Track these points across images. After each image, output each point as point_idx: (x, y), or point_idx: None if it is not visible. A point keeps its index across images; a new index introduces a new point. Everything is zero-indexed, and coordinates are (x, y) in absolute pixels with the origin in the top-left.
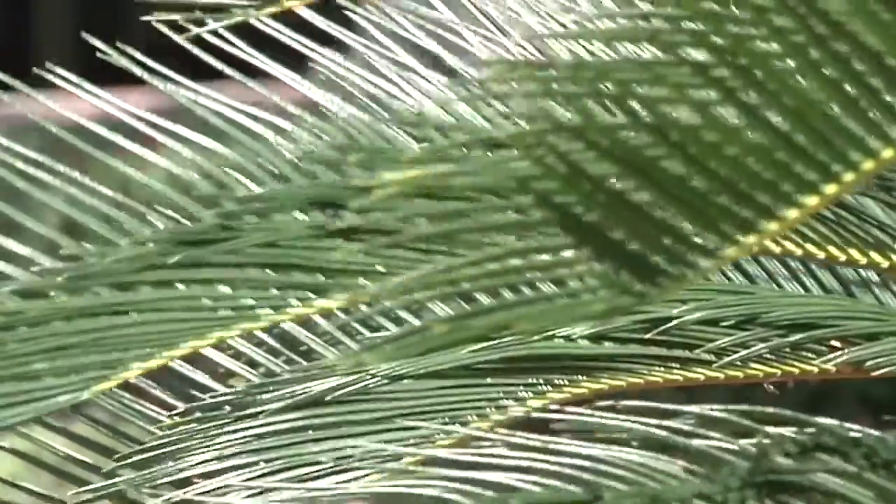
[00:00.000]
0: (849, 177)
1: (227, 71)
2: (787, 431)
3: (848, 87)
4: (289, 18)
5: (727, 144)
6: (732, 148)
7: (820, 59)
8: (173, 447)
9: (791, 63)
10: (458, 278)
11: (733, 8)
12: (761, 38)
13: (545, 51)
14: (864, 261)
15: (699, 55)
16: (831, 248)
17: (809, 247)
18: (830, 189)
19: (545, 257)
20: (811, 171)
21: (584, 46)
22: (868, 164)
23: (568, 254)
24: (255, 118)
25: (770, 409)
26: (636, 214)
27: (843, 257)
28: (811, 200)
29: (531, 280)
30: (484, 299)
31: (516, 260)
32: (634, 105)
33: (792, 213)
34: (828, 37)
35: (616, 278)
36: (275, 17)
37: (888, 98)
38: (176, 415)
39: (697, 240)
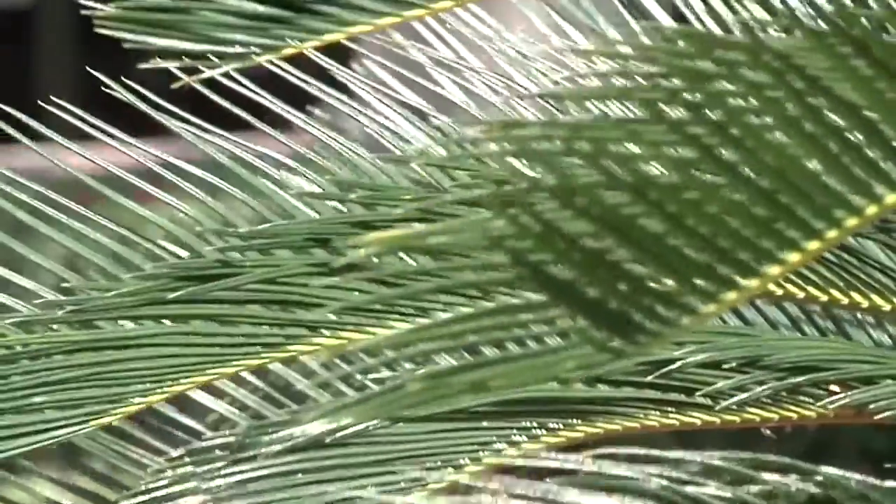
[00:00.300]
0: (832, 234)
1: (231, 109)
2: (789, 480)
3: (828, 143)
4: (291, 59)
5: (706, 202)
6: (711, 205)
7: (798, 115)
8: (169, 489)
9: (768, 119)
10: (438, 335)
11: (709, 64)
12: (737, 94)
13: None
14: (865, 304)
15: (675, 112)
16: (833, 292)
17: (811, 290)
18: (813, 246)
19: (523, 315)
20: (792, 229)
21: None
22: (852, 221)
23: (544, 312)
24: (260, 156)
25: (772, 457)
26: (612, 272)
27: (845, 300)
28: (793, 257)
29: (508, 338)
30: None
31: (491, 319)
32: (610, 163)
33: (773, 270)
34: (805, 92)
35: (593, 335)
36: (278, 56)
37: (870, 153)
38: (172, 459)
39: (676, 297)
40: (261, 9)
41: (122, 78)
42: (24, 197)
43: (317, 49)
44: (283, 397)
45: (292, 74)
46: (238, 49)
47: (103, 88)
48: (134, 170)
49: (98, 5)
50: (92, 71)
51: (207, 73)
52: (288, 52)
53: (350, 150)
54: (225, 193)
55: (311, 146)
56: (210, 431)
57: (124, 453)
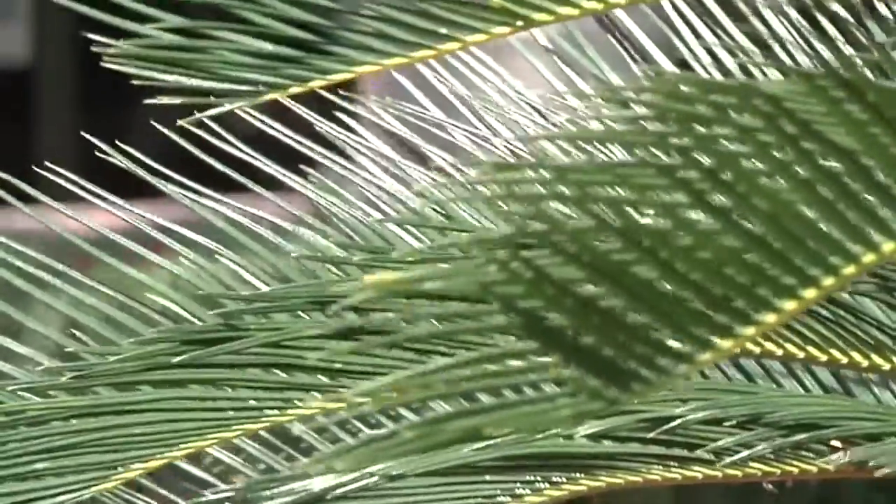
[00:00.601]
0: (828, 281)
1: (229, 173)
2: None
3: (823, 189)
4: (289, 122)
5: (699, 248)
6: (704, 252)
7: (791, 160)
8: None
9: (760, 164)
10: (432, 382)
11: (698, 108)
12: (728, 138)
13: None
14: (865, 363)
15: (665, 156)
16: (833, 351)
17: (811, 349)
18: (810, 294)
19: (515, 362)
20: (788, 276)
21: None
22: (849, 269)
23: (537, 358)
24: (259, 220)
25: None
26: (605, 319)
27: (844, 360)
28: (789, 305)
29: (503, 385)
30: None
31: (487, 365)
32: (600, 207)
33: (769, 318)
34: (798, 136)
35: (586, 383)
36: (275, 117)
37: (866, 200)
38: None
39: (670, 345)
40: (270, 47)
41: (124, 130)
42: (20, 263)
43: (324, 88)
44: (279, 441)
45: (288, 136)
46: (247, 87)
47: (98, 154)
48: (132, 232)
49: (107, 40)
50: (87, 136)
51: (215, 111)
52: (295, 90)
53: (348, 212)
54: (223, 257)
55: (310, 207)
56: (208, 476)
57: (133, 502)
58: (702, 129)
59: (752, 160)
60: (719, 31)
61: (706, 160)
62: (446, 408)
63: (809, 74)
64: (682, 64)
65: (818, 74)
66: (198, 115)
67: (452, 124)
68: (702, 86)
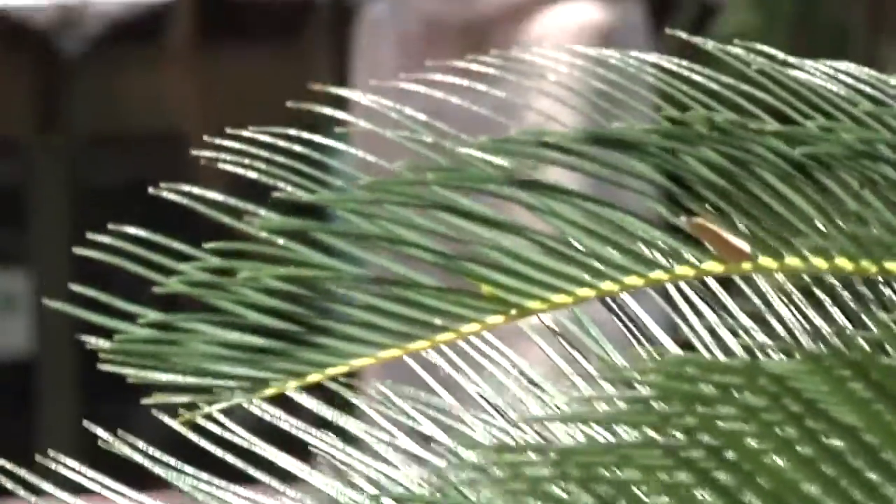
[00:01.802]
0: None
1: (230, 460)
2: None
3: (827, 467)
4: (292, 407)
5: None
6: None
7: (795, 438)
8: None
9: (764, 443)
10: None
11: (702, 387)
12: (732, 417)
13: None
14: None
15: (669, 437)
16: None
17: None
18: None
19: None
20: None
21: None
22: None
23: None
24: None
25: None
26: None
27: None
28: None
29: None
30: None
31: None
32: (603, 488)
33: None
34: (802, 415)
35: None
36: (274, 404)
37: (869, 477)
38: None
39: None
40: (261, 342)
41: (128, 415)
42: None
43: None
44: None
45: (289, 422)
46: (242, 383)
47: (100, 444)
48: None
49: (101, 341)
50: (88, 425)
51: (215, 406)
52: (293, 384)
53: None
54: None
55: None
56: None
57: None
58: (706, 409)
59: (757, 439)
60: (721, 312)
61: (710, 439)
62: None
63: (814, 354)
64: (686, 345)
65: (823, 354)
66: (200, 410)
67: (452, 409)
68: (706, 366)
